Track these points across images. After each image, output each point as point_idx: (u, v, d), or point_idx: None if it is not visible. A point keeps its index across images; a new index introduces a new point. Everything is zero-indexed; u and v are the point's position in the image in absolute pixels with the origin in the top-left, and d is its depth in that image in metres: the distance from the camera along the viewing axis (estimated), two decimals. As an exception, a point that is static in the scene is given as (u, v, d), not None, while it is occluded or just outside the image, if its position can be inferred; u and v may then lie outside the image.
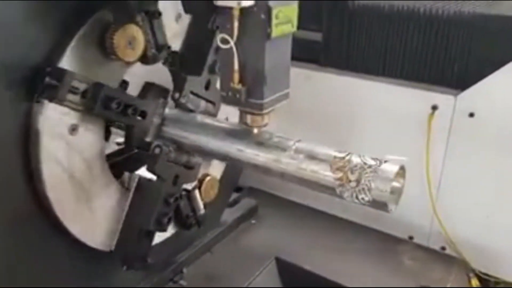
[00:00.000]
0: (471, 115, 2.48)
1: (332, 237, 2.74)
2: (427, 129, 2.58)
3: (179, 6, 1.75)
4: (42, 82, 1.45)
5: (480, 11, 2.48)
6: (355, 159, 1.44)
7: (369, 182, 1.40)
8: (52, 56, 1.48)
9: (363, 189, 1.41)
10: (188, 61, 1.79)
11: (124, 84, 2.06)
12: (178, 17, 1.79)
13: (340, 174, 1.44)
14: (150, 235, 1.92)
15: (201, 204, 2.14)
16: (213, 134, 1.72)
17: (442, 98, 2.54)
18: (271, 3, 1.32)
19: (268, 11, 1.33)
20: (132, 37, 1.57)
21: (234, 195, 2.86)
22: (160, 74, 1.86)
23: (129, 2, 1.53)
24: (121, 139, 2.72)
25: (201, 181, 2.13)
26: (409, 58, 2.66)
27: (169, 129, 1.86)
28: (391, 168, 1.40)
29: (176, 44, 1.81)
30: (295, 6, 1.41)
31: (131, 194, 1.85)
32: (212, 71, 1.83)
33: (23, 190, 1.55)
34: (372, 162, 1.41)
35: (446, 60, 2.56)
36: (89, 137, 1.64)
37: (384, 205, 1.43)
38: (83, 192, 1.69)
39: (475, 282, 2.57)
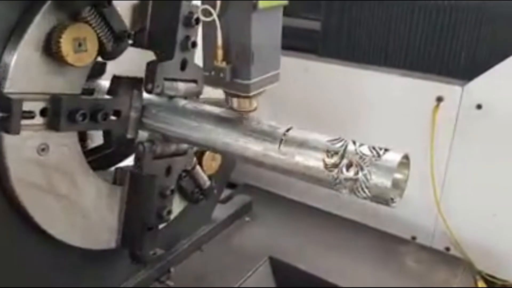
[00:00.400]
0: (479, 107, 2.34)
1: (329, 236, 2.60)
2: (431, 123, 2.44)
3: None
4: None
5: (488, -4, 2.34)
6: (352, 148, 1.29)
7: (369, 174, 1.25)
8: None
9: (362, 181, 1.26)
10: (157, 39, 1.59)
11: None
12: None
13: (336, 166, 1.29)
14: (154, 229, 1.81)
15: (205, 178, 2.03)
16: (198, 124, 1.56)
17: (448, 89, 2.40)
18: (258, -30, 1.18)
19: (255, -24, 1.19)
20: (81, 37, 1.36)
21: (228, 191, 2.73)
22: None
23: None
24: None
25: (200, 156, 2.00)
26: (413, 47, 2.52)
27: (150, 121, 1.69)
28: (393, 158, 1.25)
29: (138, 21, 1.59)
30: (286, -27, 1.27)
31: (125, 189, 1.74)
32: (185, 48, 1.62)
33: (9, 224, 1.46)
34: (372, 151, 1.26)
35: (452, 49, 2.42)
36: (63, 152, 1.49)
37: (386, 200, 1.27)
38: (71, 204, 1.58)
39: (481, 284, 2.43)
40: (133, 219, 1.76)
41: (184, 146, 1.81)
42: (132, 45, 1.58)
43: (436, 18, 2.41)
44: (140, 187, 1.73)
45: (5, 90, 1.29)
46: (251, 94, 1.31)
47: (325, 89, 2.69)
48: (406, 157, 1.29)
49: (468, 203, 2.46)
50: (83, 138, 1.98)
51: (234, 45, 1.27)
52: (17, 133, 1.31)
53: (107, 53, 1.47)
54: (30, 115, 1.34)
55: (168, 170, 1.78)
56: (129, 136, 1.67)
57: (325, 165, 1.31)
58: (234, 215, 2.64)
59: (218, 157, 2.11)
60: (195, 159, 1.97)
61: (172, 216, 1.91)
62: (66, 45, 1.32)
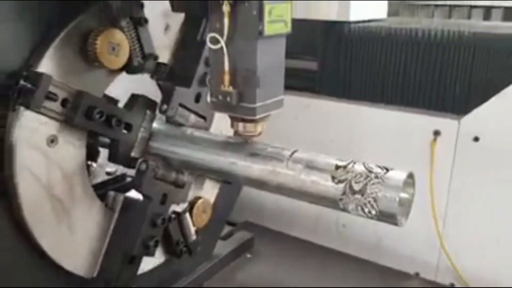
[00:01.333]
0: (476, 139, 2.38)
1: (332, 273, 2.58)
2: (430, 156, 2.48)
3: (167, 17, 1.68)
4: (17, 88, 1.34)
5: (481, 31, 2.42)
6: (359, 168, 1.31)
7: (375, 192, 1.28)
8: (29, 62, 1.38)
9: (369, 200, 1.28)
10: (177, 73, 1.69)
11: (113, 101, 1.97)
12: (166, 29, 1.71)
13: (342, 184, 1.31)
14: (136, 260, 1.76)
15: (192, 229, 1.99)
16: (203, 148, 1.59)
17: (445, 123, 2.45)
18: (264, -1, 1.24)
19: (260, 7, 1.24)
20: (116, 42, 1.47)
21: (229, 228, 2.72)
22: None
23: (112, 4, 1.44)
24: (111, 169, 2.61)
25: (192, 204, 1.99)
26: (408, 83, 2.58)
27: (157, 144, 1.73)
28: (399, 176, 1.28)
29: (164, 56, 1.71)
30: (288, 4, 1.32)
31: (115, 215, 1.72)
32: (202, 83, 1.73)
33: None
34: (378, 170, 1.29)
35: (447, 84, 2.48)
36: (69, 150, 1.52)
37: (393, 217, 1.28)
38: (62, 211, 1.55)
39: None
40: (117, 246, 1.71)
41: (183, 178, 1.82)
42: (151, 77, 1.69)
43: (430, 55, 2.48)
44: (132, 211, 1.72)
45: (37, 69, 1.37)
46: (257, 117, 1.34)
47: (325, 125, 2.73)
48: (411, 175, 1.31)
49: (470, 236, 2.45)
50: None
51: (240, 70, 1.31)
52: (39, 106, 1.36)
53: (132, 66, 1.56)
54: (53, 97, 1.40)
55: (164, 198, 1.78)
56: (133, 154, 1.70)
57: (333, 181, 1.32)
58: (235, 251, 2.62)
59: (209, 210, 2.10)
60: (187, 204, 1.98)
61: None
62: (101, 45, 1.44)
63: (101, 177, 2.51)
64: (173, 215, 1.88)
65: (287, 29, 1.34)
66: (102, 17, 1.46)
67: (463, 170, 2.43)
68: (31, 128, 1.40)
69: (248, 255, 2.67)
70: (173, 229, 1.92)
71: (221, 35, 1.28)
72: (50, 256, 1.56)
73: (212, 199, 2.12)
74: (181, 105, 1.71)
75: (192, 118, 1.77)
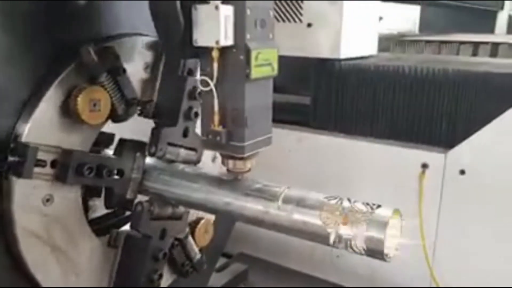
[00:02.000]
0: (462, 172, 2.45)
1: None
2: (418, 189, 2.54)
3: (146, 56, 1.73)
4: (6, 159, 1.40)
5: (464, 68, 2.52)
6: (347, 204, 1.38)
7: (362, 230, 1.34)
8: (15, 131, 1.43)
9: (357, 237, 1.34)
10: (162, 110, 1.72)
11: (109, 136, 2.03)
12: (146, 67, 1.73)
13: (332, 222, 1.37)
14: None
15: (196, 250, 2.02)
16: (198, 187, 1.64)
17: (432, 156, 2.52)
18: (250, 45, 1.32)
19: (247, 52, 1.32)
20: (97, 98, 1.51)
21: (223, 260, 2.76)
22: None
23: (88, 62, 1.48)
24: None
25: (194, 226, 2.03)
26: (397, 118, 2.66)
27: (150, 183, 1.78)
28: (385, 213, 1.33)
29: (146, 92, 1.74)
30: (275, 50, 1.41)
31: (119, 252, 1.76)
32: (188, 117, 1.76)
33: (6, 273, 1.49)
34: (366, 207, 1.35)
35: (434, 118, 2.56)
36: (66, 205, 1.57)
37: (381, 254, 1.33)
38: (68, 261, 1.61)
39: None
40: (123, 282, 1.75)
41: (180, 210, 1.86)
42: (139, 114, 1.72)
43: (417, 91, 2.58)
44: (134, 248, 1.76)
45: (23, 139, 1.42)
46: (246, 155, 1.41)
47: (317, 158, 2.80)
48: (397, 211, 1.37)
49: (459, 266, 2.50)
50: (86, 209, 2.06)
51: (229, 111, 1.38)
52: (29, 177, 1.41)
53: (117, 115, 1.60)
54: (42, 163, 1.44)
55: (163, 233, 1.81)
56: (128, 196, 1.74)
57: (322, 221, 1.37)
58: (230, 283, 2.64)
59: (211, 229, 2.12)
60: (188, 228, 2.00)
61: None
62: (82, 104, 1.47)
63: (99, 212, 2.55)
64: (176, 242, 1.92)
65: (274, 72, 1.42)
66: (80, 75, 1.51)
67: (451, 202, 2.49)
68: (26, 194, 1.45)
69: (243, 287, 2.70)
70: (177, 254, 1.95)
71: (211, 78, 1.36)
72: None
73: (213, 218, 2.16)
74: (169, 143, 1.75)
75: (183, 152, 1.81)
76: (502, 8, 5.55)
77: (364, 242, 1.32)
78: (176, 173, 1.73)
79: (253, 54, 1.33)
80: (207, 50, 1.35)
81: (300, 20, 2.73)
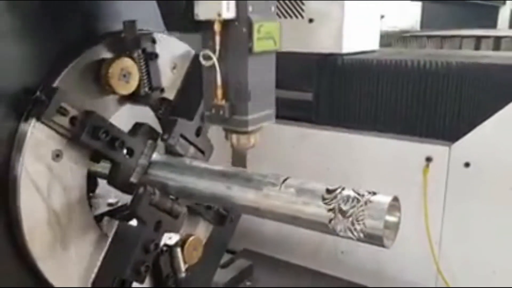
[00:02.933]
0: (467, 165, 2.42)
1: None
2: (423, 182, 2.51)
3: (175, 58, 1.80)
4: (32, 100, 1.42)
5: (468, 61, 2.51)
6: (346, 193, 1.36)
7: (362, 216, 1.31)
8: (46, 79, 1.47)
9: (357, 223, 1.32)
10: (180, 107, 1.77)
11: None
12: (173, 67, 1.80)
13: (331, 209, 1.35)
14: (126, 285, 1.71)
15: (182, 265, 1.96)
16: (199, 175, 1.63)
17: (436, 150, 2.49)
18: (253, 17, 1.31)
19: (250, 25, 1.31)
20: (127, 70, 1.56)
21: (228, 256, 2.72)
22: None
23: (127, 36, 1.56)
24: (113, 200, 2.64)
25: (184, 241, 1.98)
26: (400, 112, 2.64)
27: (155, 171, 1.76)
28: (384, 200, 1.31)
29: (170, 94, 1.80)
30: (277, 24, 1.40)
31: (109, 239, 1.72)
32: (203, 119, 1.78)
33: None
34: (364, 194, 1.33)
35: (438, 111, 2.54)
36: (72, 167, 1.56)
37: (380, 240, 1.31)
38: (60, 228, 1.57)
39: None
40: (109, 268, 1.69)
41: (178, 209, 1.84)
42: (154, 110, 1.78)
43: (419, 84, 2.56)
44: (126, 235, 1.71)
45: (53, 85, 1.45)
46: (249, 129, 1.40)
47: (320, 154, 2.78)
48: (396, 199, 1.35)
49: (466, 259, 2.46)
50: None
51: (232, 85, 1.37)
52: (48, 119, 1.42)
53: (139, 95, 1.64)
54: (64, 112, 1.46)
55: (158, 225, 1.75)
56: (132, 180, 1.72)
57: (322, 209, 1.35)
58: (234, 279, 2.60)
59: (200, 248, 2.07)
60: (179, 238, 1.96)
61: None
62: (114, 70, 1.53)
63: (101, 209, 2.53)
64: (165, 248, 1.89)
65: (276, 46, 1.40)
66: (117, 47, 1.58)
67: (456, 195, 2.46)
68: (39, 140, 1.45)
69: (248, 283, 2.66)
70: (164, 262, 1.90)
71: (213, 51, 1.35)
72: (43, 273, 1.56)
73: (204, 240, 2.12)
74: (182, 136, 1.76)
75: (192, 150, 1.81)
76: (504, 3, 5.50)
77: (363, 229, 1.30)
78: (182, 165, 1.72)
79: (256, 27, 1.32)
80: (209, 24, 1.34)
81: (301, 16, 2.73)
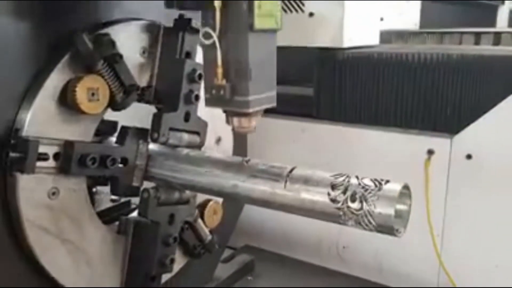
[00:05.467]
0: (469, 157, 2.35)
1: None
2: (424, 175, 2.44)
3: (142, 40, 1.66)
4: (8, 155, 1.34)
5: (469, 53, 2.45)
6: (355, 181, 1.30)
7: (373, 205, 1.25)
8: (15, 125, 1.37)
9: (367, 212, 1.26)
10: (163, 95, 1.67)
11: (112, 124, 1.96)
12: (143, 51, 1.66)
13: (340, 200, 1.29)
14: (156, 279, 1.75)
15: (206, 231, 1.96)
16: (203, 171, 1.55)
17: (437, 142, 2.42)
18: (253, -6, 1.26)
19: (250, 2, 1.26)
20: (95, 87, 1.44)
21: (229, 251, 2.65)
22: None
23: (85, 51, 1.41)
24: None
25: (202, 209, 1.96)
26: (401, 105, 2.57)
27: (155, 169, 1.69)
28: (394, 188, 1.25)
29: (144, 78, 1.68)
30: (278, 2, 1.34)
31: (129, 239, 1.71)
32: (188, 101, 1.68)
33: (17, 267, 1.45)
34: (374, 183, 1.27)
35: (439, 104, 2.47)
36: (72, 196, 1.51)
37: (390, 229, 1.25)
38: (79, 252, 1.56)
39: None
40: (137, 268, 1.72)
41: (187, 194, 1.78)
42: (138, 100, 1.65)
43: (421, 77, 2.49)
44: (143, 235, 1.70)
45: (23, 134, 1.35)
46: (250, 110, 1.33)
47: (321, 148, 2.70)
48: (406, 187, 1.29)
49: (468, 252, 2.38)
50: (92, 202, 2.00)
51: (233, 64, 1.30)
52: (32, 172, 1.34)
53: (116, 104, 1.53)
54: (44, 157, 1.37)
55: (172, 218, 1.75)
56: (134, 184, 1.67)
57: (331, 198, 1.30)
58: (236, 274, 2.53)
59: (220, 211, 2.06)
60: (197, 211, 1.94)
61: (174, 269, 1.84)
62: (81, 93, 1.40)
63: (105, 204, 2.47)
64: (186, 225, 1.86)
65: (277, 25, 1.34)
66: (77, 64, 1.44)
67: (458, 187, 2.39)
68: (31, 188, 1.39)
69: (249, 278, 2.59)
70: (188, 237, 1.90)
71: (214, 29, 1.29)
72: None
73: (220, 200, 2.07)
74: (171, 129, 1.66)
75: (185, 136, 1.73)
76: (502, 2, 5.43)
77: (374, 218, 1.25)
78: (180, 158, 1.65)
79: (256, 3, 1.26)
80: (209, 1, 1.28)
81: (301, 9, 2.67)
